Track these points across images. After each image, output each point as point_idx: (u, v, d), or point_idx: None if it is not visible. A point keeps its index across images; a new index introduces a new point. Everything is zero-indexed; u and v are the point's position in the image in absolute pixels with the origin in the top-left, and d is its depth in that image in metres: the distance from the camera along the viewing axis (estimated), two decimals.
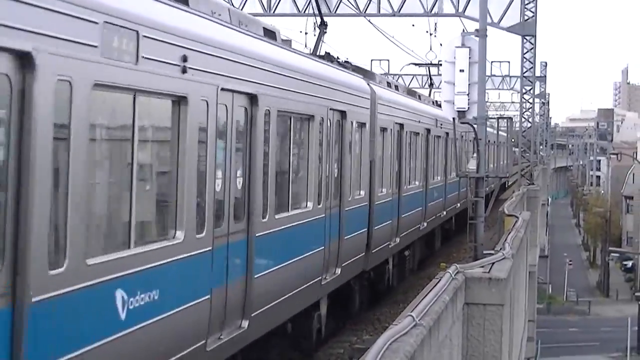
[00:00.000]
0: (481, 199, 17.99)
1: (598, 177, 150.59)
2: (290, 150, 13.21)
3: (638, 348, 60.61)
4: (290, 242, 12.89)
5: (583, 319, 75.48)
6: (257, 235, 11.34)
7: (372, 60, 63.94)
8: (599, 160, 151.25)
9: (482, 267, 15.07)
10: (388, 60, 66.50)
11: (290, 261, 12.84)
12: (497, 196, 30.61)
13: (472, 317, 14.05)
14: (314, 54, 18.64)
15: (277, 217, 12.18)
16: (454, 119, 18.13)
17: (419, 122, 24.81)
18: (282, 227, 12.43)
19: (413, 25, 45.93)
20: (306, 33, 40.15)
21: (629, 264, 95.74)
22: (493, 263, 15.53)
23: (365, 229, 17.99)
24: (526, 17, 40.81)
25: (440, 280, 12.67)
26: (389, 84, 22.75)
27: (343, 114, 15.89)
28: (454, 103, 17.86)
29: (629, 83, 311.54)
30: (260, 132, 11.45)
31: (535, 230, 35.82)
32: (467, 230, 18.90)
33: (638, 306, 61.31)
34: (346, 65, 18.95)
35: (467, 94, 17.73)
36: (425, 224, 26.07)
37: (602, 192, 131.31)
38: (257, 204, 11.37)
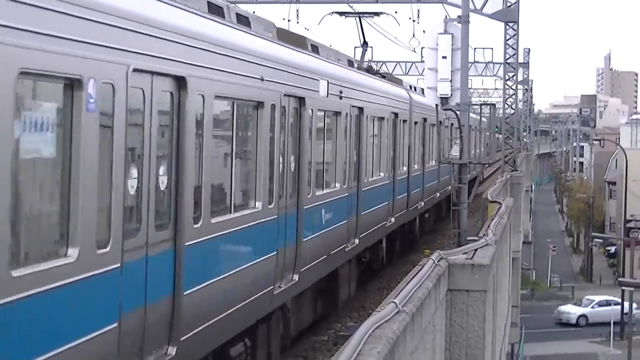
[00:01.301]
0: (464, 185, 18.03)
1: (581, 163, 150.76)
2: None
3: (621, 333, 60.85)
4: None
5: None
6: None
7: (355, 47, 63.72)
8: (582, 147, 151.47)
9: (465, 253, 15.11)
10: (372, 47, 66.27)
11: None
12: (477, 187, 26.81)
13: (455, 303, 14.09)
14: None
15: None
16: (437, 105, 18.15)
17: (263, 80, 12.22)
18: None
19: (396, 12, 45.87)
20: (289, 20, 40.14)
21: (612, 249, 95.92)
22: (476, 249, 15.56)
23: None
24: (509, 4, 40.85)
25: (423, 266, 12.69)
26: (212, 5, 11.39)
27: None
28: (436, 90, 17.89)
29: (611, 69, 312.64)
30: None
31: (518, 216, 35.92)
32: (451, 216, 18.84)
33: (621, 292, 61.48)
34: None
35: (450, 81, 17.76)
36: (306, 270, 14.72)
37: (585, 178, 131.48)
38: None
